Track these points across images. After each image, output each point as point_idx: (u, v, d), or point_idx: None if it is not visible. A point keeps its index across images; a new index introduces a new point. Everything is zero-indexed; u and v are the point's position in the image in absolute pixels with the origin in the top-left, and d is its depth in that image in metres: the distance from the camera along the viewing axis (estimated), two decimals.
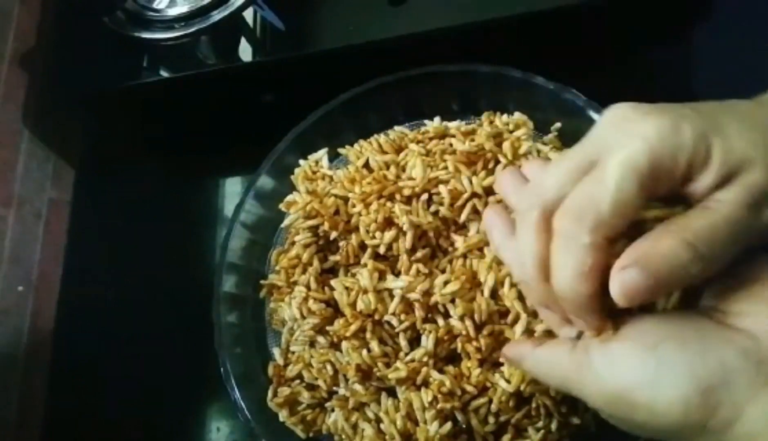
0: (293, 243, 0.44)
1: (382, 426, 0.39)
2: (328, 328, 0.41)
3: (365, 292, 0.40)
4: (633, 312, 0.26)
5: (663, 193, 0.26)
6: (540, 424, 0.38)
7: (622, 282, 0.24)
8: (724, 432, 0.23)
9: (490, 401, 0.38)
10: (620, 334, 0.26)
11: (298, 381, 0.43)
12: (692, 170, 0.25)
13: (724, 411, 0.23)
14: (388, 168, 0.44)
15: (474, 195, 0.41)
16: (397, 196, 0.42)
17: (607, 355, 0.25)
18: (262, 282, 0.45)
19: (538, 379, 0.31)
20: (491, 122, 0.46)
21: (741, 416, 0.23)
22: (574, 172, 0.25)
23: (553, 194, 0.25)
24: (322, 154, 0.48)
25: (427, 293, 0.39)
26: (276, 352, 0.44)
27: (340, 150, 0.48)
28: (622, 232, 0.25)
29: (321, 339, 0.41)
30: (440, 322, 0.39)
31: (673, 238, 0.24)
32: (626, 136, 0.25)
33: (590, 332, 0.26)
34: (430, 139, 0.46)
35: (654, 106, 0.26)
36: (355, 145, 0.47)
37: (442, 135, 0.46)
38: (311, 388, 0.42)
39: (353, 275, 0.42)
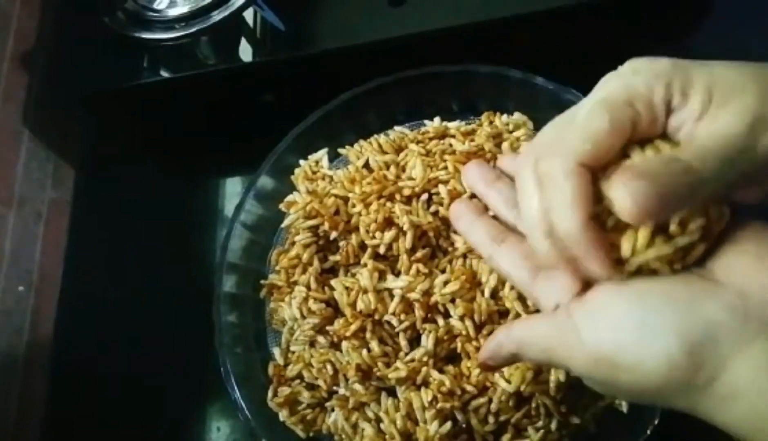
0: (293, 243, 0.44)
1: (382, 426, 0.39)
2: (328, 327, 0.41)
3: (365, 291, 0.40)
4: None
5: (647, 127, 0.25)
6: (540, 423, 0.38)
7: (631, 191, 0.22)
8: (706, 388, 0.23)
9: (490, 401, 0.38)
10: (602, 287, 0.25)
11: (298, 381, 0.43)
12: (672, 98, 0.24)
13: (709, 367, 0.23)
14: (388, 168, 0.44)
15: (473, 195, 0.41)
16: (397, 196, 0.42)
17: (590, 311, 0.25)
18: (262, 282, 0.45)
19: (525, 360, 0.29)
20: (491, 122, 0.46)
21: (724, 372, 0.22)
22: None
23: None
24: (322, 154, 0.48)
25: (427, 293, 0.39)
26: (276, 352, 0.44)
27: (340, 150, 0.48)
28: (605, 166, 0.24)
29: (321, 339, 0.41)
30: (440, 322, 0.39)
31: (663, 158, 0.23)
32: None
33: (605, 271, 0.24)
34: (430, 139, 0.46)
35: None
36: (355, 145, 0.47)
37: (442, 135, 0.46)
38: (311, 387, 0.42)
39: (353, 275, 0.42)
